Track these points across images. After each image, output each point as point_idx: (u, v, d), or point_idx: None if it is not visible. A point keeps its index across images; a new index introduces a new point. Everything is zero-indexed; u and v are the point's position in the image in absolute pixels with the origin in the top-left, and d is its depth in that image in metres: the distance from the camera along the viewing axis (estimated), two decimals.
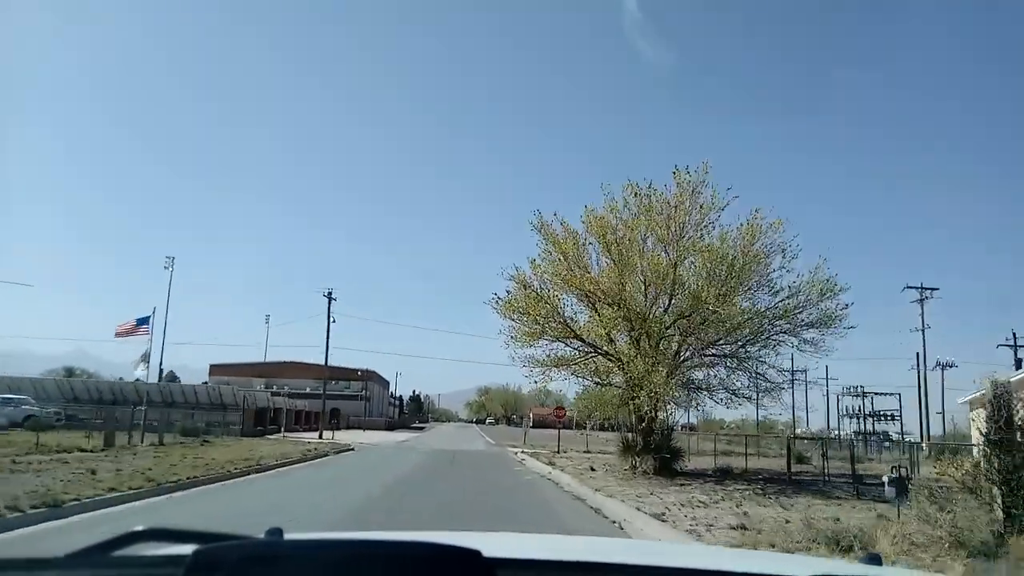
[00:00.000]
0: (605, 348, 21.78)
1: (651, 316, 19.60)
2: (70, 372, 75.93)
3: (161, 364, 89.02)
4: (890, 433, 71.54)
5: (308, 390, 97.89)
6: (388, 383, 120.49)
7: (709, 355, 20.91)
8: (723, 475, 21.56)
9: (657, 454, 20.67)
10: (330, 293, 47.28)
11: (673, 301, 19.70)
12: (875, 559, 1.92)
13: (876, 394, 77.38)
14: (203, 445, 25.64)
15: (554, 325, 21.26)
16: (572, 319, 21.44)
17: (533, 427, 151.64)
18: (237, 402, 48.76)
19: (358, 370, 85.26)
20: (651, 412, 20.93)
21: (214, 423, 45.41)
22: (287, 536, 1.41)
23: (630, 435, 22.58)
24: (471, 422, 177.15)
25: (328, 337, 47.13)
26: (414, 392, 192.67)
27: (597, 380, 23.06)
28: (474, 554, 1.12)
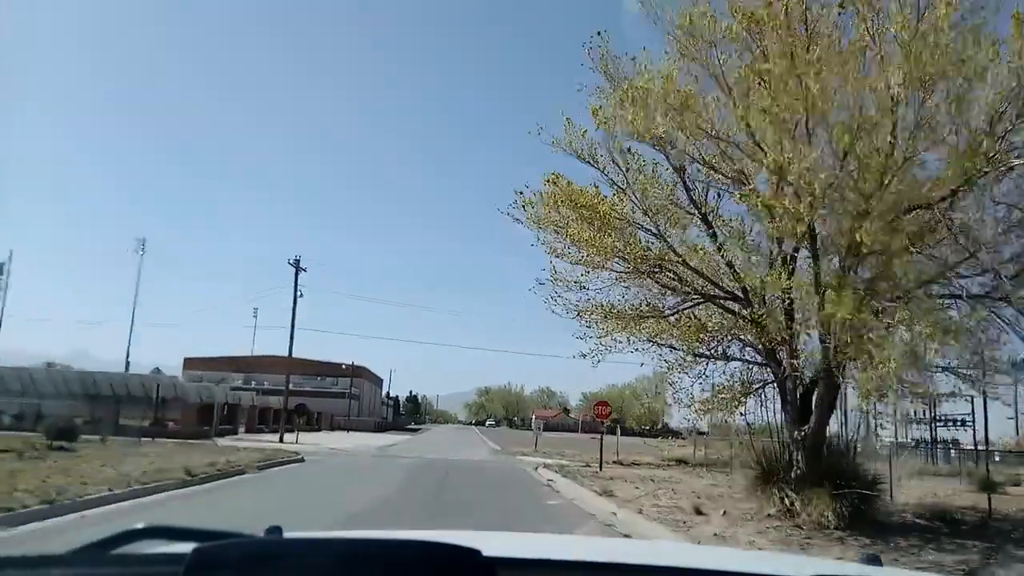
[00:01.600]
0: (728, 286, 11.56)
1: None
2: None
3: (128, 356, 78.96)
4: (960, 441, 61.86)
5: (291, 387, 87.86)
6: (382, 381, 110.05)
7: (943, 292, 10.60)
8: (955, 528, 11.35)
9: (840, 488, 10.47)
10: (297, 261, 37.09)
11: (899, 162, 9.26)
12: (875, 559, 1.81)
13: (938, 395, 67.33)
14: (25, 459, 15.40)
15: (637, 238, 11.10)
16: (678, 218, 11.21)
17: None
18: (180, 395, 38.93)
19: (342, 364, 75.10)
20: (826, 403, 10.75)
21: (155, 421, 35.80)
22: (287, 534, 1.41)
23: (773, 446, 12.21)
24: (470, 424, 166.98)
25: (294, 316, 36.98)
26: (411, 392, 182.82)
27: (699, 350, 12.81)
28: (473, 553, 1.10)
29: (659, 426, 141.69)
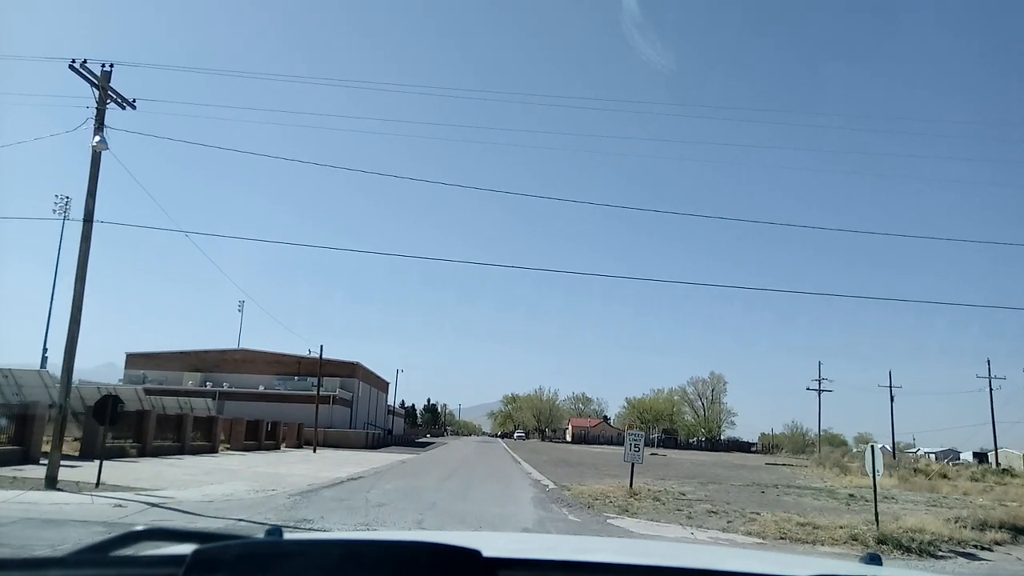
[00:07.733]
0: None
1: None
2: None
3: (46, 348, 57.87)
4: None
5: (262, 388, 67.29)
6: (387, 385, 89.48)
7: None
8: None
9: None
10: (107, 74, 16.29)
11: None
12: (875, 559, 1.84)
13: None
14: None
15: None
16: None
17: (572, 442, 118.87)
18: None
19: (307, 353, 54.06)
20: None
21: None
22: (286, 536, 1.40)
23: None
24: (496, 436, 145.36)
25: (90, 208, 16.01)
26: (429, 401, 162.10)
27: None
28: (474, 554, 1.11)
29: (718, 438, 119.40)
